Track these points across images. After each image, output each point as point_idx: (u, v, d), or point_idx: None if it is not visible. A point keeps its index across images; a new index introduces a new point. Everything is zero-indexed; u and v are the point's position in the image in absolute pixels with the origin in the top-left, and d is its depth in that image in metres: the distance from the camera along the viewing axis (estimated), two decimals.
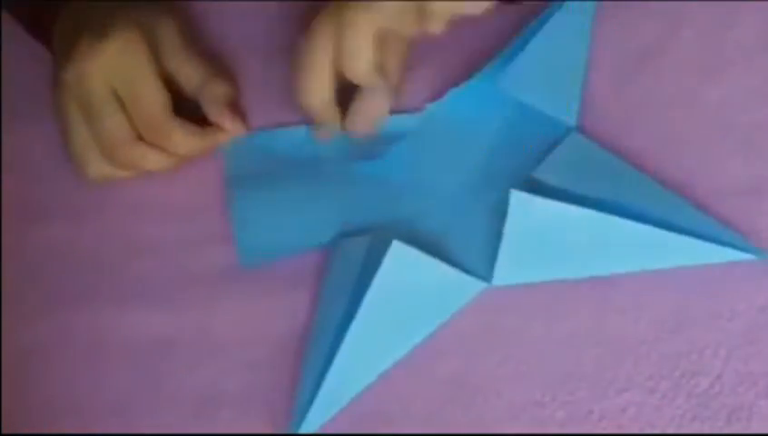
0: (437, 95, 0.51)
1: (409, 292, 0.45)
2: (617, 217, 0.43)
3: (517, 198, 0.44)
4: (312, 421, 0.44)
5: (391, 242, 0.44)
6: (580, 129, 0.48)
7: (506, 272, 0.45)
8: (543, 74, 0.49)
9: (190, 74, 0.51)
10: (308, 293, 0.47)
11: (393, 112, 0.51)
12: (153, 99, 0.49)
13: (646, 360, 0.44)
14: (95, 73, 0.48)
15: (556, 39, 0.50)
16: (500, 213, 0.44)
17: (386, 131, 0.51)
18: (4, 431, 0.46)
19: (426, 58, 0.52)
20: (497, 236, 0.44)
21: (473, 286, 0.45)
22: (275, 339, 0.47)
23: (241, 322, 0.48)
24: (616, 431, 0.43)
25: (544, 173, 0.46)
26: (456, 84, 0.51)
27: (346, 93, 0.50)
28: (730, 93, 0.47)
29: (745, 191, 0.45)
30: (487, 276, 0.45)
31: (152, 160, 0.50)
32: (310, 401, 0.44)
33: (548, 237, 0.44)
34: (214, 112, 0.51)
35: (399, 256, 0.44)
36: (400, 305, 0.45)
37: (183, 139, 0.50)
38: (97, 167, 0.50)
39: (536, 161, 0.47)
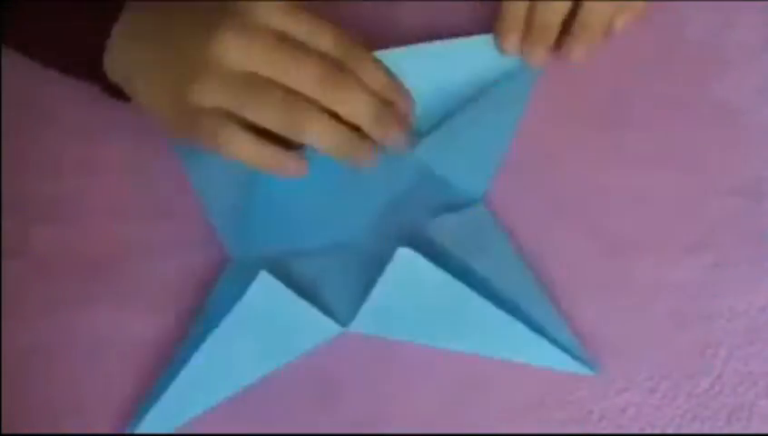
0: None
1: (268, 323, 0.45)
2: (484, 299, 0.44)
3: (402, 254, 0.44)
4: (147, 426, 0.45)
5: (260, 271, 0.44)
6: (487, 197, 0.48)
7: (365, 321, 0.45)
8: (461, 150, 0.48)
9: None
10: None
11: None
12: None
13: (646, 360, 0.44)
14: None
15: (485, 115, 0.48)
16: (382, 264, 0.44)
17: None
18: (4, 431, 0.46)
19: None
20: (369, 286, 0.45)
21: (329, 329, 0.46)
22: None
23: None
24: (616, 430, 0.43)
25: (434, 231, 0.46)
26: None
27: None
28: (730, 93, 0.47)
29: (745, 191, 0.45)
30: (345, 321, 0.45)
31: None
32: (151, 407, 0.45)
33: (416, 298, 0.44)
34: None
35: (265, 286, 0.44)
36: (257, 334, 0.45)
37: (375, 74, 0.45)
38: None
39: (430, 219, 0.47)
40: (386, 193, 0.48)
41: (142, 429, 0.45)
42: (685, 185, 0.46)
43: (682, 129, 0.47)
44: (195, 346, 0.45)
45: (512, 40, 0.48)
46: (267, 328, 0.45)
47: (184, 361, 0.45)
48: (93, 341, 0.48)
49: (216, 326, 0.45)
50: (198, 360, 0.45)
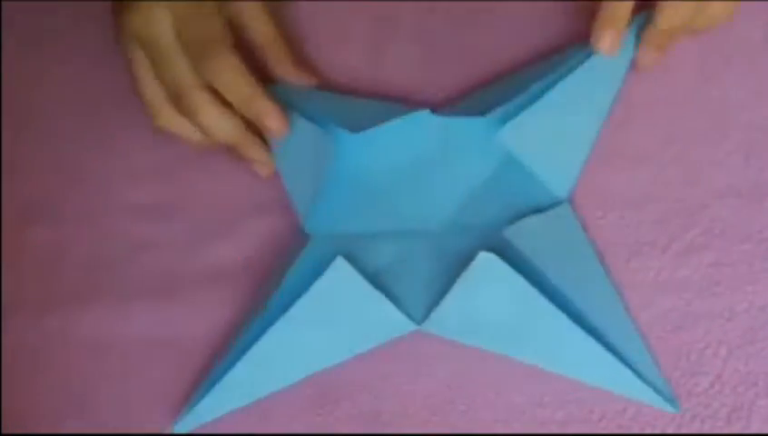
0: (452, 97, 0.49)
1: (340, 312, 0.44)
2: (567, 316, 0.42)
3: (484, 258, 0.42)
4: (193, 419, 0.45)
5: (336, 256, 0.43)
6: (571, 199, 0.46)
7: (439, 322, 0.44)
8: (549, 138, 0.45)
9: (261, 28, 0.48)
10: None
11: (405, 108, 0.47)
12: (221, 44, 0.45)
13: None
14: (162, 17, 0.45)
15: (575, 96, 0.45)
16: (459, 262, 0.43)
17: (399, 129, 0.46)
18: (4, 431, 0.46)
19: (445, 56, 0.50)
20: (446, 283, 0.43)
21: (402, 325, 0.44)
22: None
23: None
24: (616, 430, 0.43)
25: (515, 236, 0.44)
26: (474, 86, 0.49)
27: None
28: (730, 93, 0.47)
29: (745, 191, 0.45)
30: (419, 319, 0.44)
31: (213, 112, 0.46)
32: (203, 398, 0.45)
33: (493, 305, 0.43)
34: (281, 67, 0.49)
35: (339, 273, 0.43)
36: (327, 322, 0.44)
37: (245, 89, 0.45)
38: (165, 117, 0.47)
39: (512, 220, 0.45)
40: (468, 182, 0.47)
41: (182, 427, 0.45)
42: (685, 185, 0.46)
43: (682, 129, 0.47)
44: (261, 328, 0.44)
45: (607, 38, 0.44)
46: (338, 317, 0.44)
47: (248, 345, 0.44)
48: (94, 340, 0.48)
49: (285, 310, 0.43)
50: (264, 344, 0.43)
